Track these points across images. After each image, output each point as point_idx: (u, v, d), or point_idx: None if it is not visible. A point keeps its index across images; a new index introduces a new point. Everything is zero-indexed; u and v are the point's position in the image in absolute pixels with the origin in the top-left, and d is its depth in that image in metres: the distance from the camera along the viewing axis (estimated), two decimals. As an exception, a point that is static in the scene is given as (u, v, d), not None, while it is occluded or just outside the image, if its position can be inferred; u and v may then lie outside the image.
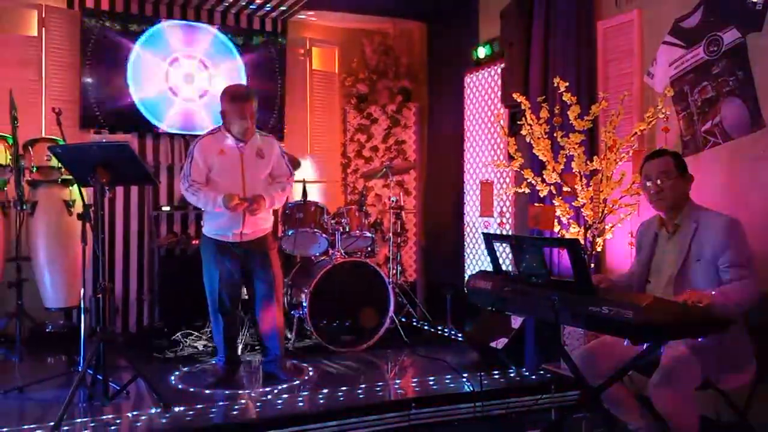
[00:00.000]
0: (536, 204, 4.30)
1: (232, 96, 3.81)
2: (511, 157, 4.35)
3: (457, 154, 5.82)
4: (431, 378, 3.97)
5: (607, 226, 4.04)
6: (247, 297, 4.38)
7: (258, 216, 3.85)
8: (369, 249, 5.31)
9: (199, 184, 3.80)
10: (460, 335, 5.11)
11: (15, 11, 5.29)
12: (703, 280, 2.74)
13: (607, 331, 2.64)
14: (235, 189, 3.77)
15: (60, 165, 4.46)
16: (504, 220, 4.95)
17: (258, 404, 3.50)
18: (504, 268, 2.99)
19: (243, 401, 3.54)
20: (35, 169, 4.61)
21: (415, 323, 5.61)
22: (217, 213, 3.80)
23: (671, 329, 2.37)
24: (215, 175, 3.82)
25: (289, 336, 4.66)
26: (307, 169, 6.18)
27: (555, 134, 4.06)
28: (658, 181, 2.88)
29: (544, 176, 4.14)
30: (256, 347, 4.48)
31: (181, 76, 5.70)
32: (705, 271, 2.75)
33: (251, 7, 5.85)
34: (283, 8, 5.88)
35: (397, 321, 5.02)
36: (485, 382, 3.86)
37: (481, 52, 5.47)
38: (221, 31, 5.86)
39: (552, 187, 4.15)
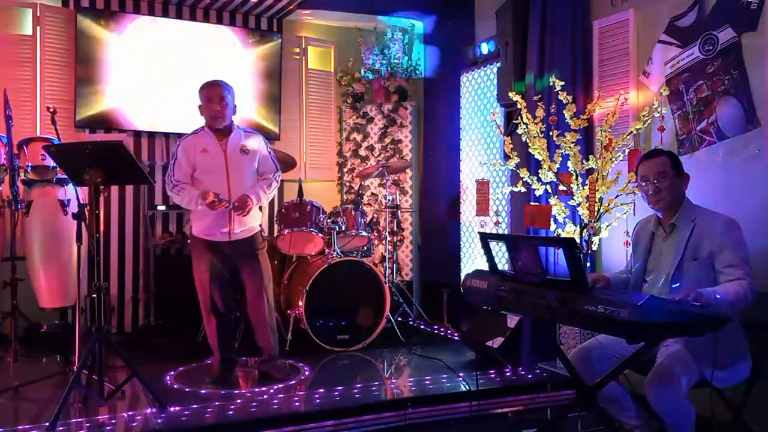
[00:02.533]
0: (532, 203, 4.30)
1: (202, 85, 3.89)
2: (507, 156, 4.35)
3: (453, 153, 5.82)
4: (427, 377, 3.98)
5: (602, 225, 4.05)
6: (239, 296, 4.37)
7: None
8: (365, 248, 5.30)
9: (183, 183, 3.81)
10: (456, 334, 5.11)
11: (9, 10, 5.27)
12: (700, 279, 2.73)
13: (602, 330, 2.64)
14: (220, 187, 3.77)
15: (55, 164, 4.45)
16: (500, 219, 4.95)
17: (253, 404, 3.49)
18: (500, 267, 2.98)
19: (238, 401, 3.53)
20: (30, 168, 4.59)
21: (411, 322, 5.62)
22: (203, 213, 3.80)
23: (667, 328, 2.38)
24: (199, 174, 3.83)
25: (285, 336, 4.65)
26: (303, 169, 6.18)
27: (551, 133, 4.07)
28: (655, 182, 2.88)
29: (540, 175, 4.15)
30: (253, 347, 4.46)
31: (177, 75, 5.68)
32: (701, 271, 2.75)
33: (246, 6, 5.84)
34: (278, 7, 5.88)
35: (393, 320, 5.02)
36: (481, 381, 3.86)
37: (484, 48, 5.40)
38: (217, 30, 5.86)
39: (548, 186, 4.15)
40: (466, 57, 5.61)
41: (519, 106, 4.21)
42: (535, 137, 4.11)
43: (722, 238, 2.72)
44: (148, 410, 3.35)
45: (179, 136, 5.57)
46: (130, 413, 3.34)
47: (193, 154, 3.82)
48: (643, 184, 2.94)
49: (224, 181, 3.81)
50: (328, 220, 4.95)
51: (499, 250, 4.44)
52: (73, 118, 5.33)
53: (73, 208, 4.56)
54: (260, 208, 4.04)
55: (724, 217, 2.80)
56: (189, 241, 4.10)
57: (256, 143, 3.94)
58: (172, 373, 4.08)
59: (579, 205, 4.02)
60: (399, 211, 5.60)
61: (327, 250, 4.97)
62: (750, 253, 2.74)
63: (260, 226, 4.04)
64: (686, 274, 2.79)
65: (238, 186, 3.82)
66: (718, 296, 2.57)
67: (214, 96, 3.81)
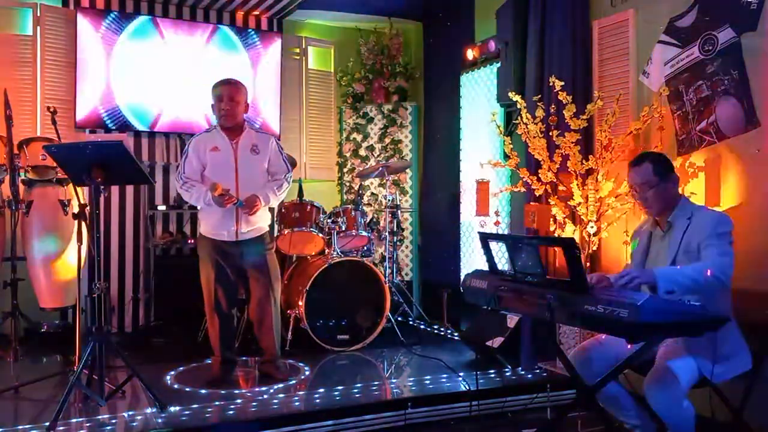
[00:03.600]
0: (532, 203, 4.30)
1: (214, 84, 3.92)
2: (506, 156, 4.35)
3: (453, 153, 5.82)
4: (427, 377, 3.98)
5: (602, 225, 4.05)
6: (243, 297, 4.37)
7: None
8: (365, 248, 5.31)
9: (193, 180, 3.82)
10: (456, 334, 5.11)
11: (9, 10, 5.27)
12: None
13: (602, 330, 2.63)
14: (229, 185, 3.77)
15: (55, 164, 4.45)
16: (500, 219, 4.95)
17: (254, 404, 3.50)
18: (500, 267, 2.98)
19: (239, 401, 3.54)
20: (30, 168, 4.59)
21: (411, 322, 5.62)
22: (211, 211, 3.81)
23: (667, 328, 2.38)
24: (209, 172, 3.84)
25: (285, 335, 4.65)
26: (303, 169, 6.18)
27: (550, 133, 4.07)
28: (640, 192, 2.89)
29: (540, 175, 4.15)
30: (253, 347, 4.47)
31: (177, 76, 5.69)
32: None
33: (246, 6, 5.84)
34: (278, 7, 5.88)
35: (393, 320, 5.02)
36: (481, 381, 3.87)
37: (484, 48, 5.35)
38: (217, 30, 5.86)
39: (548, 186, 4.15)
40: (466, 57, 5.62)
41: (519, 106, 4.21)
42: (534, 137, 4.11)
43: (709, 230, 2.72)
44: (148, 410, 3.36)
45: (180, 136, 5.66)
46: (130, 413, 3.34)
47: (203, 152, 3.84)
48: (632, 192, 2.96)
49: (233, 179, 3.82)
50: (328, 220, 4.95)
51: (499, 250, 4.45)
52: (73, 118, 5.33)
53: (74, 208, 4.56)
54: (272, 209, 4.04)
55: (717, 212, 2.81)
56: (196, 240, 4.10)
57: (267, 143, 3.95)
58: (173, 373, 4.08)
59: (578, 205, 4.02)
60: (399, 211, 5.61)
61: (327, 250, 4.98)
62: (747, 252, 2.72)
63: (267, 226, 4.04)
64: (679, 268, 2.78)
65: (247, 185, 3.83)
66: (665, 274, 2.54)
67: (224, 94, 3.84)
